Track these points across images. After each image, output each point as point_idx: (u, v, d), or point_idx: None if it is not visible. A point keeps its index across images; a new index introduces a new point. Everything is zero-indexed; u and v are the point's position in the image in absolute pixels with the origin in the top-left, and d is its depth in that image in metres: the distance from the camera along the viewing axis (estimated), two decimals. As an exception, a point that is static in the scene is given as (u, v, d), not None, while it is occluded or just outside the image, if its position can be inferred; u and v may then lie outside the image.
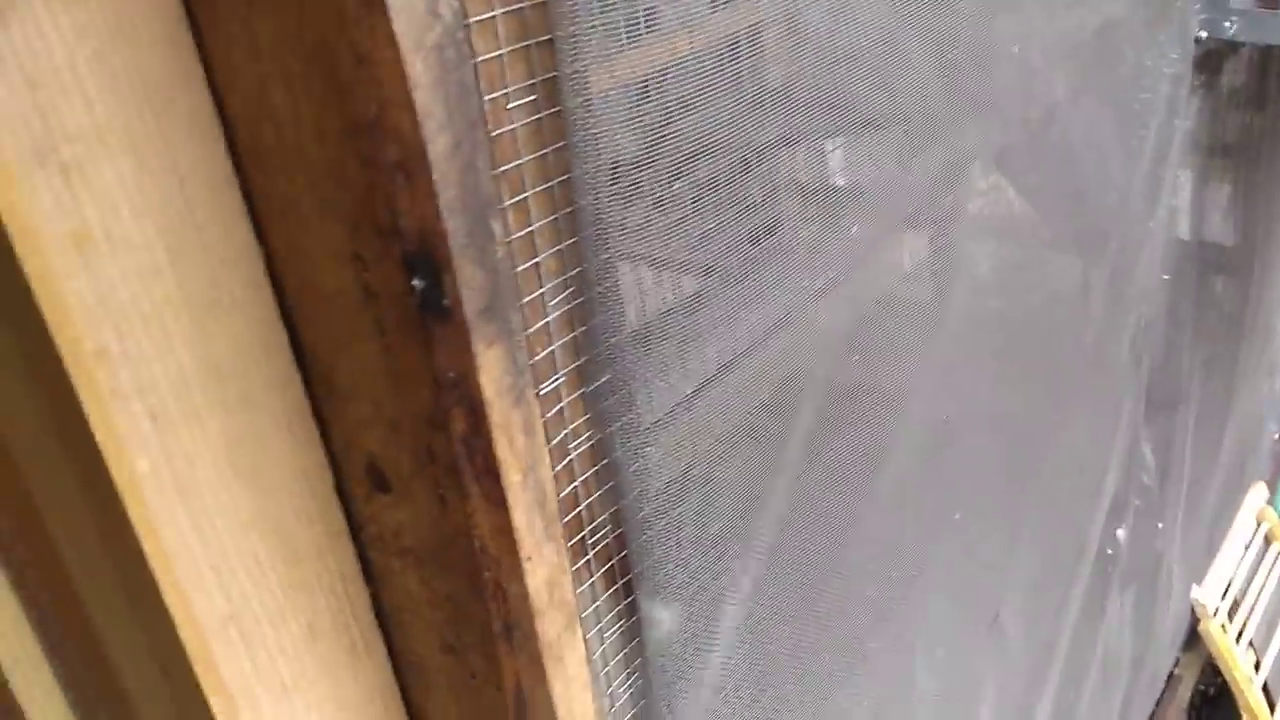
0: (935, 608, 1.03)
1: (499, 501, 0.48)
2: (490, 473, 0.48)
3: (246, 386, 0.49)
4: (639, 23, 0.50)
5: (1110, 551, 1.52)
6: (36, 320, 0.41)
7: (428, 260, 0.42)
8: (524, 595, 0.51)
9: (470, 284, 0.43)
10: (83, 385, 0.42)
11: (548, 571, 0.51)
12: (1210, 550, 2.09)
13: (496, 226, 0.44)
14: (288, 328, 0.50)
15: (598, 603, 0.59)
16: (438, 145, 0.40)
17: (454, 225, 0.42)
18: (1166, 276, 1.45)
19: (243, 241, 0.47)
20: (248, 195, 0.47)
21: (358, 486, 0.54)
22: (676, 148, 0.54)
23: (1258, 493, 2.19)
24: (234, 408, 0.48)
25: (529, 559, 0.50)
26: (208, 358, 0.47)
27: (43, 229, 0.40)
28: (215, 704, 0.50)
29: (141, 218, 0.43)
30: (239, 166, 0.46)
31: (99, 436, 0.43)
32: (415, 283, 0.43)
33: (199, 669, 0.49)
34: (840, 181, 0.72)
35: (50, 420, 0.46)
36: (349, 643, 0.57)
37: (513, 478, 0.48)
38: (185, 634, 0.48)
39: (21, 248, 0.40)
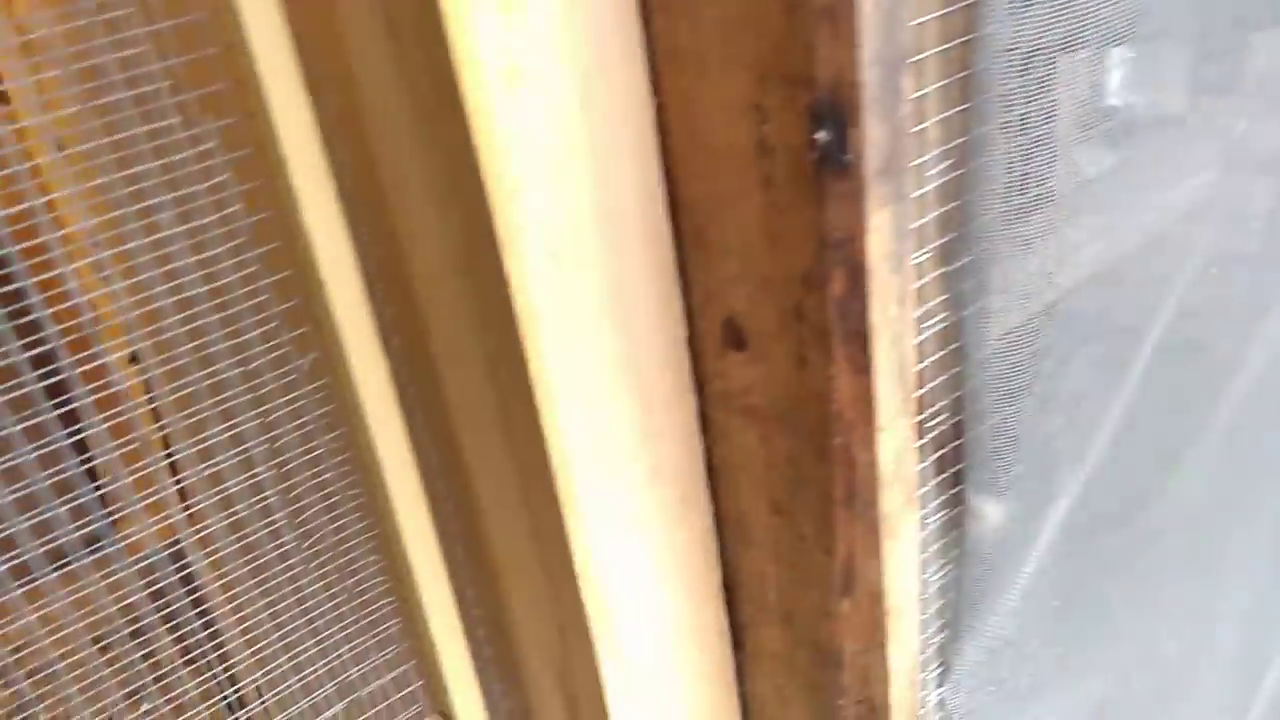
0: (1244, 574, 0.95)
1: (863, 368, 0.48)
2: (859, 337, 0.47)
3: (626, 235, 0.51)
4: None
5: None
6: (468, 152, 0.45)
7: (836, 113, 0.42)
8: (872, 465, 0.51)
9: (875, 140, 0.42)
10: (498, 217, 0.46)
11: (897, 445, 0.51)
12: None
13: (905, 83, 0.43)
14: (666, 181, 0.51)
15: (926, 487, 0.58)
16: (864, -9, 0.39)
17: (870, 76, 0.41)
18: None
19: (640, 91, 0.49)
20: (647, 44, 0.48)
21: (709, 342, 0.55)
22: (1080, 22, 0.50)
23: None
24: (614, 254, 0.51)
25: (883, 430, 0.50)
26: (600, 203, 0.49)
27: (484, 66, 0.43)
28: (570, 527, 0.54)
29: (564, 60, 0.45)
30: (644, 13, 0.47)
31: (506, 267, 0.47)
32: (819, 136, 0.42)
33: (562, 494, 0.53)
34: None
35: (459, 249, 0.50)
36: (680, 494, 0.60)
37: (880, 345, 0.48)
38: (554, 460, 0.52)
39: (466, 82, 0.43)
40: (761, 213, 0.48)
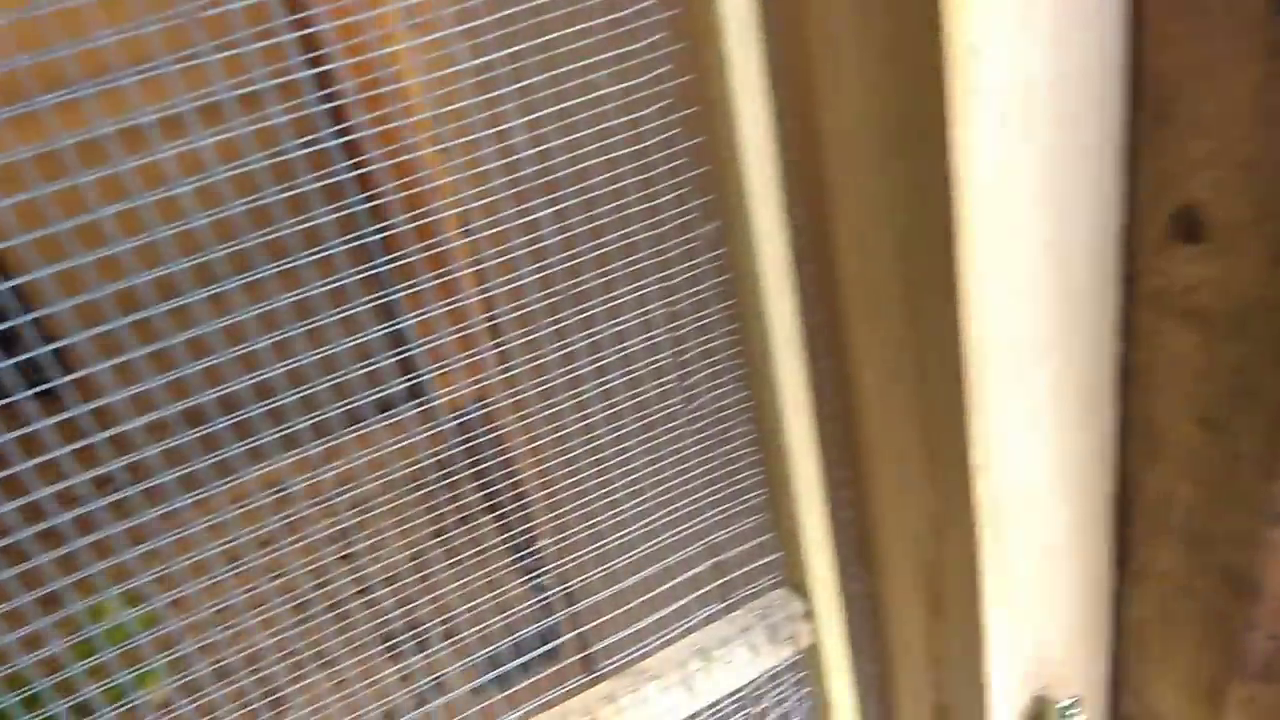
0: None
1: (1364, 269, 0.42)
2: (1368, 233, 0.41)
3: (1079, 107, 0.47)
4: None
5: None
6: (925, 8, 0.42)
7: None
8: (1353, 383, 0.44)
9: None
10: (953, 80, 0.43)
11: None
12: None
13: None
14: (1133, 48, 0.46)
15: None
16: None
17: None
18: None
19: (1121, -58, 0.44)
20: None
21: (1152, 233, 0.50)
22: None
23: None
24: (1063, 127, 0.47)
25: (1375, 343, 0.43)
26: (1057, 70, 0.45)
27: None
28: (971, 416, 0.52)
29: (1050, -97, 0.41)
30: None
31: (952, 134, 0.45)
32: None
33: (967, 379, 0.51)
34: None
35: (890, 114, 0.48)
36: (1086, 396, 0.56)
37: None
38: (964, 343, 0.50)
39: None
40: (1257, 86, 0.42)
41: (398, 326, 0.65)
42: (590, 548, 0.69)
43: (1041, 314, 0.51)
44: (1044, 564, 0.59)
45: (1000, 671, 0.61)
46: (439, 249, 0.64)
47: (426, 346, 0.66)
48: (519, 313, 0.63)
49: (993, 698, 0.62)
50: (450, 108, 0.55)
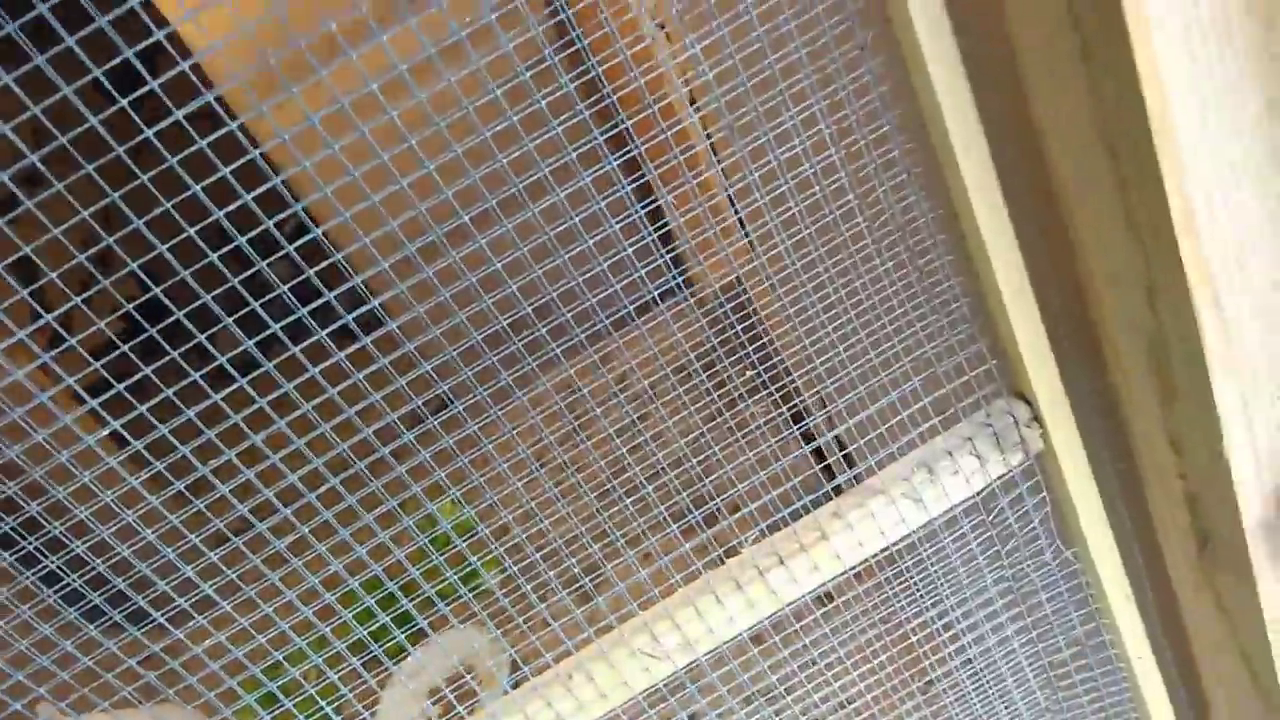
0: None
1: None
2: None
3: None
4: None
5: None
6: None
7: None
8: None
9: None
10: None
11: None
12: None
13: None
14: None
15: None
16: None
17: None
18: None
19: None
20: None
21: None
22: None
23: None
24: None
25: None
26: None
27: None
28: (1166, 171, 0.51)
29: None
30: None
31: None
32: None
33: (1156, 128, 0.49)
34: None
35: None
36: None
37: None
38: (1147, 87, 0.48)
39: None
40: None
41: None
42: (830, 381, 0.72)
43: (1237, 45, 0.48)
44: (1265, 321, 0.56)
45: (1242, 446, 0.59)
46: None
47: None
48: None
49: (1242, 477, 0.60)
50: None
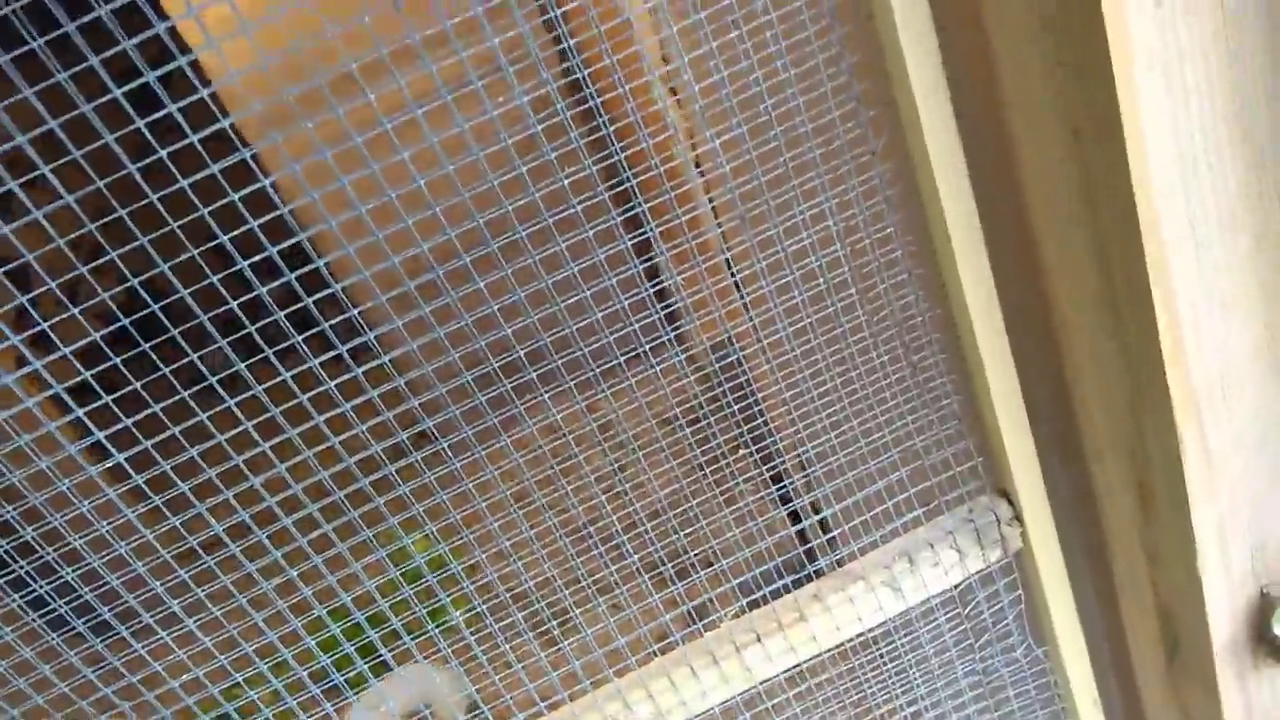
0: None
1: None
2: None
3: None
4: None
5: None
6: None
7: None
8: None
9: None
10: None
11: None
12: None
13: None
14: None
15: None
16: None
17: None
18: None
19: None
20: None
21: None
22: None
23: None
24: None
25: None
26: None
27: None
28: (1156, 295, 0.51)
29: None
30: None
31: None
32: None
33: (1150, 254, 0.50)
34: None
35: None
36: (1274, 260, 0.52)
37: None
38: (1143, 215, 0.49)
39: None
40: None
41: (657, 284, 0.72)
42: (820, 465, 0.72)
43: (1223, 190, 0.49)
44: (1247, 449, 0.56)
45: (1215, 566, 0.59)
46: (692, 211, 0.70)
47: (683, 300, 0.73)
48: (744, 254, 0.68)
49: (1213, 595, 0.60)
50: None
